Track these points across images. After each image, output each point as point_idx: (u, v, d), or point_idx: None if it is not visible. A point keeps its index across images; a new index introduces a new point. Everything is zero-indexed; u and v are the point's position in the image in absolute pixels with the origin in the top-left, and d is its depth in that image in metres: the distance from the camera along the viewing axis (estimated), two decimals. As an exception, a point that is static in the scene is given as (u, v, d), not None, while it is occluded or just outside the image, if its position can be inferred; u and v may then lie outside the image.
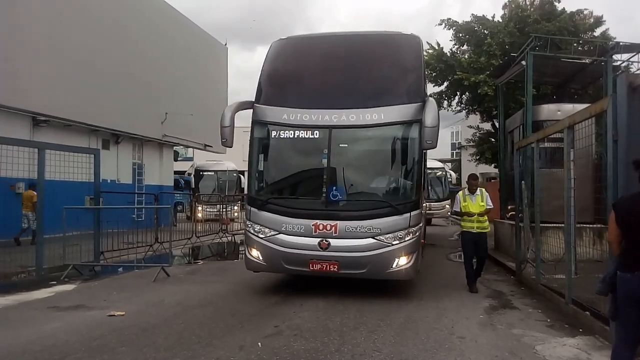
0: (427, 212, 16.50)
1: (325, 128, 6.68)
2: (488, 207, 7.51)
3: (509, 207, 10.85)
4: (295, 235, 6.56)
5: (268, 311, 6.12)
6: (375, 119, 6.62)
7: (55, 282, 8.03)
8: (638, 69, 11.76)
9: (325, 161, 6.68)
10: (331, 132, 6.65)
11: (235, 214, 19.04)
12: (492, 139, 18.33)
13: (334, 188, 6.64)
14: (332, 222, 6.45)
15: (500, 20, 16.52)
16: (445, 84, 17.67)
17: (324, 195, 6.62)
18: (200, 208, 18.51)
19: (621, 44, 11.71)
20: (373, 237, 6.40)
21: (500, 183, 12.94)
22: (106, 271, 9.33)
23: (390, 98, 6.82)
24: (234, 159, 23.82)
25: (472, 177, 7.78)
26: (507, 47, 15.38)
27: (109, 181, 15.53)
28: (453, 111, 19.27)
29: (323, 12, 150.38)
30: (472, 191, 7.57)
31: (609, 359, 3.63)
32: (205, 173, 23.47)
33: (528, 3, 16.92)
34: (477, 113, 19.09)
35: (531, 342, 4.95)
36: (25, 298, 6.92)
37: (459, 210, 7.65)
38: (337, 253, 6.41)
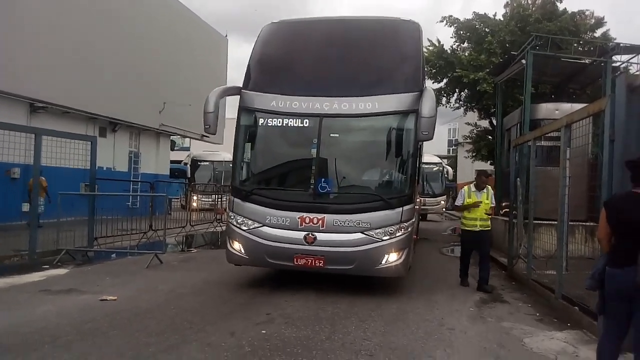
0: (422, 207, 16.45)
1: (315, 117, 6.33)
2: (492, 205, 7.36)
3: (503, 204, 10.89)
4: (279, 229, 6.22)
5: (260, 299, 6.14)
6: (369, 108, 6.29)
7: (48, 267, 8.01)
8: (637, 70, 11.79)
9: (314, 151, 6.34)
10: (322, 121, 6.31)
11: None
12: (489, 136, 18.39)
13: (323, 180, 6.29)
14: (319, 215, 6.11)
15: (502, 19, 16.54)
16: (445, 80, 17.67)
17: (311, 187, 6.27)
18: (195, 197, 18.50)
19: (621, 45, 11.75)
20: (362, 232, 6.09)
21: (496, 180, 12.98)
22: (99, 257, 9.31)
23: (386, 86, 6.47)
24: (231, 150, 23.73)
25: (483, 174, 7.50)
26: (507, 45, 15.40)
27: (104, 169, 15.48)
28: (451, 108, 19.33)
29: (325, 6, 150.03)
30: (479, 188, 7.26)
31: (595, 352, 3.67)
32: (202, 163, 23.54)
33: (530, 2, 16.96)
34: (475, 110, 19.14)
35: (520, 334, 5.00)
36: (17, 281, 6.89)
37: (460, 204, 7.32)
38: (323, 248, 6.07)
